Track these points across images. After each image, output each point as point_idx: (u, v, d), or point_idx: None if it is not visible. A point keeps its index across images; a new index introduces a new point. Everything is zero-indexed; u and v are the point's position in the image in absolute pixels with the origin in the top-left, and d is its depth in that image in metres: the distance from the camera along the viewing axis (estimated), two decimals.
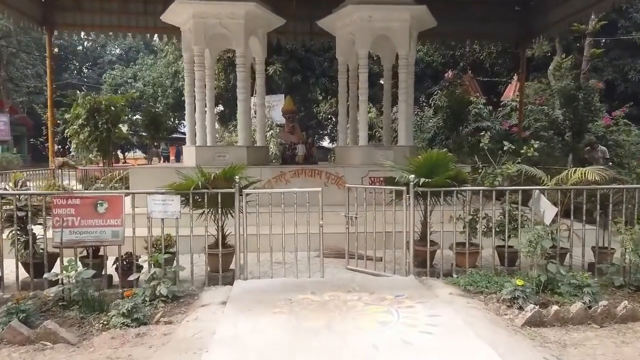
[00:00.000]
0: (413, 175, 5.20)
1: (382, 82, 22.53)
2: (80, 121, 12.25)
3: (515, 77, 23.96)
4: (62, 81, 33.64)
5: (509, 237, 5.42)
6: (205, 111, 8.95)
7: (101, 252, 5.18)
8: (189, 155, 8.45)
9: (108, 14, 12.27)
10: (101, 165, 12.76)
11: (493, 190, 5.33)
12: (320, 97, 27.01)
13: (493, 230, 5.37)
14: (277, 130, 18.17)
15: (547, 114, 16.48)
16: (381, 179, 8.18)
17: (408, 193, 5.23)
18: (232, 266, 5.39)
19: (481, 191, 5.34)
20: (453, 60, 25.73)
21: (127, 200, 5.16)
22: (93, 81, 38.39)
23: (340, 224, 6.86)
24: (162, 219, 5.07)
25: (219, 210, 5.17)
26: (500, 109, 17.63)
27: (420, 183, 5.14)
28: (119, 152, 20.23)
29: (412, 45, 8.63)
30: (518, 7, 13.05)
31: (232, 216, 5.26)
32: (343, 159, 9.15)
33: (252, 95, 10.61)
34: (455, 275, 5.28)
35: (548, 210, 5.21)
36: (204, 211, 5.16)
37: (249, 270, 5.38)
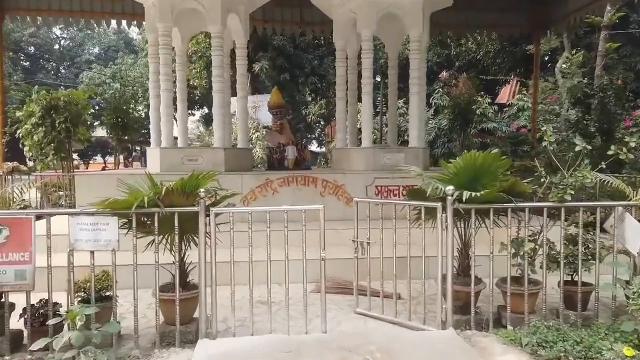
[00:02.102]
0: (452, 187, 3.69)
1: (378, 78, 21.16)
2: (34, 120, 10.52)
3: (514, 78, 22.87)
4: (35, 80, 31.70)
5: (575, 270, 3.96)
6: (175, 106, 7.36)
7: (4, 299, 3.57)
8: (153, 159, 6.84)
9: None
10: (60, 171, 11.04)
11: (562, 208, 3.83)
12: (310, 98, 25.57)
13: (561, 261, 3.88)
14: (264, 132, 16.69)
15: (558, 114, 15.21)
16: (391, 188, 6.70)
17: (444, 211, 3.72)
18: (196, 314, 3.82)
19: (546, 209, 3.85)
20: (448, 60, 24.53)
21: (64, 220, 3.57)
22: (70, 81, 36.36)
23: (341, 246, 5.41)
24: (92, 252, 3.49)
25: (177, 236, 3.60)
26: (506, 109, 16.30)
27: (464, 198, 3.63)
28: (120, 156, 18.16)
29: (426, 26, 7.16)
30: None
31: (196, 244, 3.71)
32: (342, 163, 7.62)
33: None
34: (510, 327, 3.77)
35: (638, 235, 3.75)
36: (153, 240, 3.58)
37: (220, 318, 3.83)
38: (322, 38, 22.57)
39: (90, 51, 38.54)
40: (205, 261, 3.59)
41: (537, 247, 3.91)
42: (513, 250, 3.93)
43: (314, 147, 31.29)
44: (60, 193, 10.51)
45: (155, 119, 7.08)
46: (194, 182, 3.57)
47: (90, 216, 3.46)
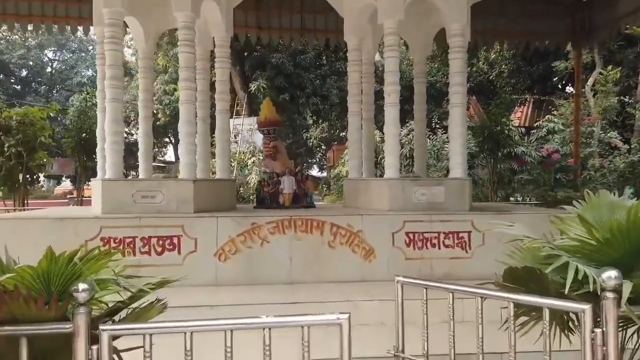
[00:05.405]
0: (616, 274, 1.75)
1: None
2: None
3: (531, 98, 21.41)
4: (24, 103, 30.20)
5: None
6: (125, 123, 5.48)
7: None
8: (95, 195, 4.92)
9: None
10: (9, 203, 9.18)
11: None
12: (311, 121, 23.95)
13: None
14: (261, 157, 15.04)
15: (594, 136, 13.40)
16: (428, 236, 4.79)
17: (599, 322, 1.78)
18: None
19: None
20: None
21: None
22: (60, 105, 34.88)
23: (362, 327, 3.54)
24: None
25: None
26: (533, 131, 14.50)
27: None
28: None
29: (468, 20, 5.34)
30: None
31: None
32: (357, 198, 5.68)
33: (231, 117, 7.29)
34: None
35: None
36: None
37: None
38: (324, 57, 21.09)
39: (83, 74, 37.16)
40: None
41: None
42: None
43: (314, 171, 29.43)
44: None
45: (102, 140, 5.18)
46: (66, 269, 1.63)
47: None
